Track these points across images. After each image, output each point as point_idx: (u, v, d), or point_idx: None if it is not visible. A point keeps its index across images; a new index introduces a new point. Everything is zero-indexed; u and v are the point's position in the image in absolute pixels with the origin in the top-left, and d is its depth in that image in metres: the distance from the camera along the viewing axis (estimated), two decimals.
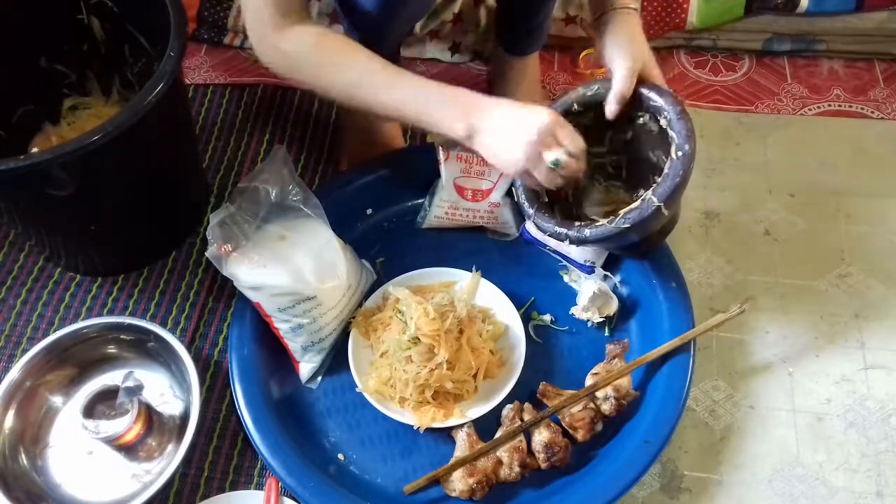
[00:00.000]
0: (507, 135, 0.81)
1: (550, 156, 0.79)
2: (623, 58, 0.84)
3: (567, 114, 0.90)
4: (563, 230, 0.87)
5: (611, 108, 0.85)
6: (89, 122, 1.15)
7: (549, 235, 0.91)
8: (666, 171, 0.82)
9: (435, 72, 1.29)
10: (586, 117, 0.90)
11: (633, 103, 0.86)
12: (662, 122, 0.85)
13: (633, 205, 0.82)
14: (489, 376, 0.92)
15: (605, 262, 1.01)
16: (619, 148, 0.95)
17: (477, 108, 0.81)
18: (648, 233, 0.86)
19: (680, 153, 0.82)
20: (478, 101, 0.82)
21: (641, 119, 0.90)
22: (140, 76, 1.11)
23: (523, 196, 0.94)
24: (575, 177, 0.82)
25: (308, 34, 0.83)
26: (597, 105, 0.88)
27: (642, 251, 0.94)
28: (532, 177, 0.82)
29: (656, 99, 0.85)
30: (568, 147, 0.80)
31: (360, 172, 1.08)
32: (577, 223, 0.87)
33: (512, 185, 0.98)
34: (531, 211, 0.92)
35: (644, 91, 0.86)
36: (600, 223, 0.84)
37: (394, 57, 1.09)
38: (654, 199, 0.81)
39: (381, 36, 0.92)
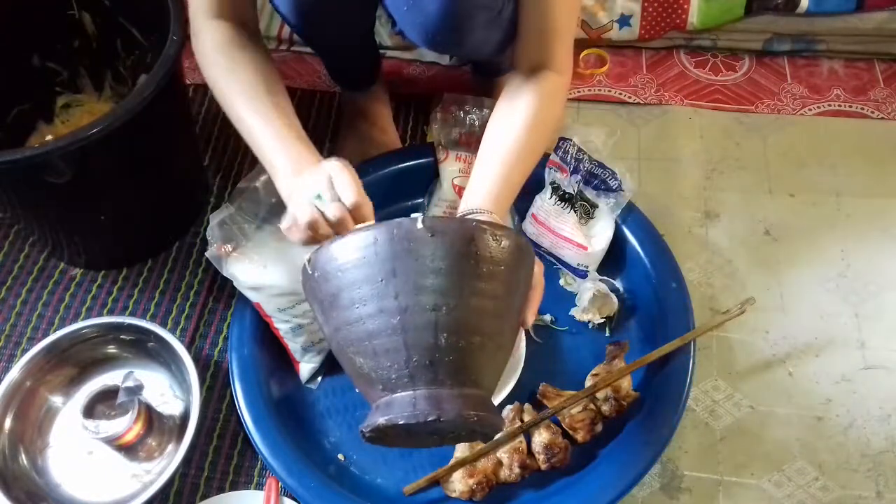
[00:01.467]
0: (298, 189, 0.74)
1: (314, 190, 0.71)
2: None
3: None
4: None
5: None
6: (83, 118, 1.15)
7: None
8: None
9: (432, 73, 1.29)
10: None
11: None
12: None
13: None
14: None
15: (604, 265, 1.01)
16: None
17: (302, 171, 0.76)
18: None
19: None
20: (305, 164, 0.76)
21: None
22: (133, 70, 1.12)
23: None
24: (342, 229, 0.70)
25: (221, 33, 0.84)
26: None
27: None
28: (296, 223, 0.72)
29: None
30: (341, 193, 0.71)
31: (359, 173, 1.07)
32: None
33: None
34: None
35: None
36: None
37: (360, 58, 1.09)
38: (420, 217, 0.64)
39: (317, 43, 0.95)
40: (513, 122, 0.83)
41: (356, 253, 0.62)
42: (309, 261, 0.66)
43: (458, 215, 0.80)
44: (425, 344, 0.61)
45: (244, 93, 0.82)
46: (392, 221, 0.62)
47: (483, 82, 1.19)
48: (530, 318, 0.73)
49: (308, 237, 0.72)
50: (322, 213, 0.71)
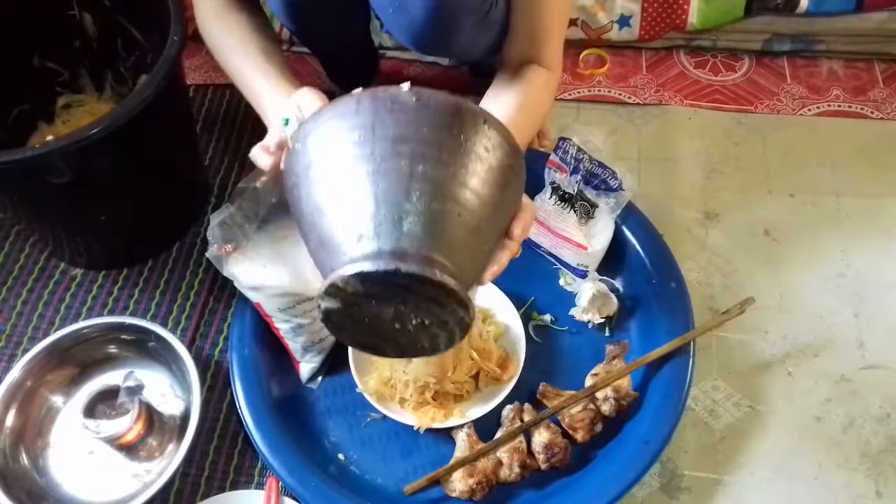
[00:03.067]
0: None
1: (283, 115, 0.72)
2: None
3: None
4: None
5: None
6: (84, 119, 1.15)
7: None
8: None
9: (432, 74, 1.29)
10: None
11: None
12: None
13: None
14: (493, 377, 0.91)
15: (604, 265, 1.01)
16: None
17: (283, 96, 0.79)
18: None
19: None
20: (271, 106, 0.80)
21: None
22: (134, 70, 1.12)
23: None
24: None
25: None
26: None
27: None
28: (266, 147, 0.74)
29: None
30: (305, 115, 0.71)
31: None
32: None
33: None
34: None
35: None
36: None
37: (354, 58, 1.09)
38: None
39: (304, 34, 0.95)
40: (503, 105, 0.82)
41: (339, 115, 0.60)
42: (292, 137, 0.64)
43: None
44: (395, 198, 0.57)
45: (237, 49, 0.85)
46: (377, 87, 0.61)
47: (481, 83, 1.18)
48: (517, 231, 0.67)
49: (275, 161, 0.72)
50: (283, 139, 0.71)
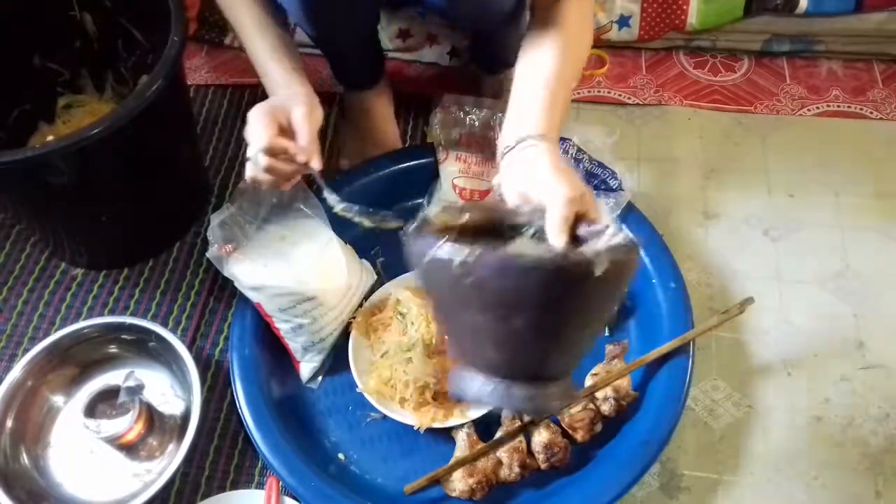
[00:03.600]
0: None
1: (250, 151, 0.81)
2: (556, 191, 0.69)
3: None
4: (459, 255, 0.60)
5: (555, 237, 0.67)
6: (84, 119, 1.15)
7: (426, 264, 0.64)
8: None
9: (432, 74, 1.29)
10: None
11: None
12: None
13: (566, 250, 0.65)
14: None
15: None
16: None
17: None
18: (568, 315, 0.63)
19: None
20: (272, 88, 0.88)
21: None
22: (134, 70, 1.12)
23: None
24: (279, 174, 0.82)
25: None
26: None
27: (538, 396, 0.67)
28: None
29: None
30: (250, 142, 0.81)
31: (360, 172, 1.08)
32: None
33: None
34: (414, 235, 0.68)
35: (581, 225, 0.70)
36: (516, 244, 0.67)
37: (365, 55, 1.09)
38: (595, 251, 0.61)
39: (323, 33, 0.96)
40: (547, 52, 0.81)
41: (507, 276, 0.60)
42: (463, 263, 0.60)
43: (504, 146, 0.77)
44: (527, 356, 0.65)
45: (250, 19, 0.88)
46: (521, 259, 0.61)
47: (488, 80, 1.18)
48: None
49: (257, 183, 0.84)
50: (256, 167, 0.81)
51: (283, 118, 0.82)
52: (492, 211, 0.74)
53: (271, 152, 0.80)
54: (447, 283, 0.63)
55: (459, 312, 0.65)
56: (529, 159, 0.74)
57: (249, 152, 0.81)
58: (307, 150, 0.82)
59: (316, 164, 0.83)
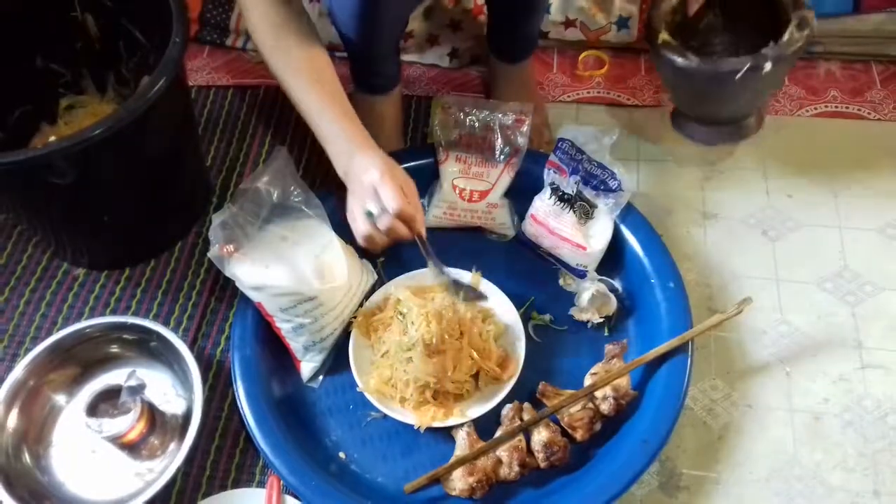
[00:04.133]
0: (349, 187, 0.90)
1: (366, 207, 0.86)
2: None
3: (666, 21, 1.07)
4: (760, 58, 1.00)
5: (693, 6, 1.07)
6: (86, 120, 1.16)
7: (740, 76, 0.99)
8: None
9: (432, 75, 1.29)
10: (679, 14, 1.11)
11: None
12: None
13: (793, 23, 1.01)
14: (493, 377, 0.92)
15: (603, 265, 1.01)
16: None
17: (353, 153, 0.89)
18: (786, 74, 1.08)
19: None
20: (355, 147, 0.89)
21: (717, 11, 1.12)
22: (136, 71, 1.13)
23: (684, 55, 1.04)
24: (397, 236, 0.86)
25: (266, 10, 0.90)
26: None
27: (741, 128, 1.15)
28: (355, 224, 0.89)
29: None
30: (385, 204, 0.83)
31: None
32: (762, 49, 1.01)
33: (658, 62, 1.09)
34: (703, 62, 1.02)
35: None
36: (784, 40, 1.00)
37: (392, 58, 1.10)
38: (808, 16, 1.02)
39: (371, 31, 0.95)
40: None
41: None
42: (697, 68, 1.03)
43: None
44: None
45: (293, 73, 0.90)
46: None
47: (501, 69, 1.18)
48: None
49: (371, 243, 0.90)
50: (374, 226, 0.86)
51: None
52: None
53: (401, 217, 0.85)
54: (744, 83, 1.01)
55: (729, 96, 1.08)
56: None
57: (378, 211, 0.85)
58: (421, 220, 0.88)
59: (424, 232, 0.89)
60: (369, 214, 0.85)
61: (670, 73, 1.06)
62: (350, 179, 0.90)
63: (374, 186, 0.85)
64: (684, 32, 1.07)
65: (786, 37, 1.00)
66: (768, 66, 0.98)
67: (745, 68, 0.98)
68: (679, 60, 1.02)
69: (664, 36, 1.04)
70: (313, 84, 0.91)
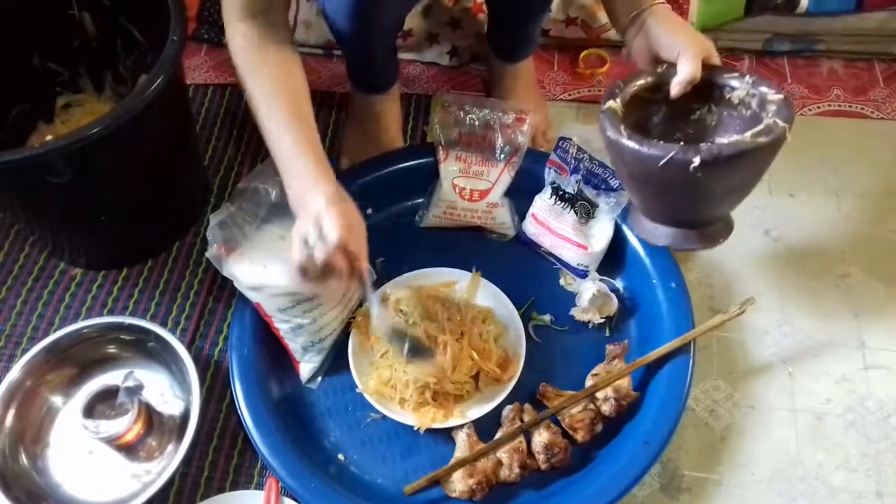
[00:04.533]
0: (297, 212, 0.82)
1: (304, 233, 0.78)
2: (689, 45, 0.84)
3: (636, 95, 0.87)
4: (690, 152, 0.77)
5: (676, 90, 0.84)
6: (83, 118, 1.15)
7: (663, 165, 0.78)
8: (773, 108, 0.81)
9: (432, 73, 1.29)
10: (659, 94, 0.88)
11: (699, 85, 0.84)
12: (741, 88, 0.85)
13: (758, 127, 0.79)
14: (493, 377, 0.91)
15: (604, 265, 1.01)
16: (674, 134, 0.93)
17: (305, 202, 0.80)
18: (763, 169, 0.84)
19: (780, 95, 0.82)
20: (312, 195, 0.80)
21: (702, 105, 0.89)
22: (133, 70, 1.12)
23: (621, 128, 0.82)
24: (333, 269, 0.77)
25: (248, 34, 0.85)
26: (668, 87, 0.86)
27: (709, 233, 0.90)
28: (292, 254, 0.80)
29: (728, 72, 0.86)
30: (325, 233, 0.76)
31: (360, 172, 1.08)
32: (702, 144, 0.78)
33: (602, 126, 0.87)
34: (636, 142, 0.81)
35: (713, 71, 0.85)
36: (733, 139, 0.79)
37: (389, 57, 1.09)
38: (780, 122, 0.79)
39: (367, 31, 0.94)
40: None
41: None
42: (703, 163, 0.77)
43: (622, 24, 0.90)
44: (708, 212, 0.88)
45: (266, 99, 0.85)
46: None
47: (505, 69, 1.18)
48: None
49: (303, 274, 0.80)
50: (308, 256, 0.78)
51: None
52: (645, 75, 0.88)
53: (343, 251, 0.78)
54: (674, 177, 0.80)
55: (666, 191, 0.85)
56: (663, 17, 0.87)
57: (313, 241, 0.77)
58: (364, 258, 0.81)
59: (367, 275, 0.83)
60: (305, 242, 0.78)
61: (605, 146, 0.86)
62: (297, 206, 0.82)
63: (318, 215, 0.77)
64: (672, 118, 0.91)
65: (733, 137, 0.81)
66: (696, 161, 0.76)
67: (669, 157, 0.77)
68: (609, 133, 0.82)
69: (612, 104, 0.84)
70: (284, 114, 0.84)
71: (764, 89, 0.84)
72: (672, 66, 0.85)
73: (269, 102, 0.84)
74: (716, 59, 0.86)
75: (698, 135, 0.90)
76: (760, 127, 0.79)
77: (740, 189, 0.86)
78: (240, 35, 0.86)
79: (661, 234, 0.90)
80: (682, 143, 0.79)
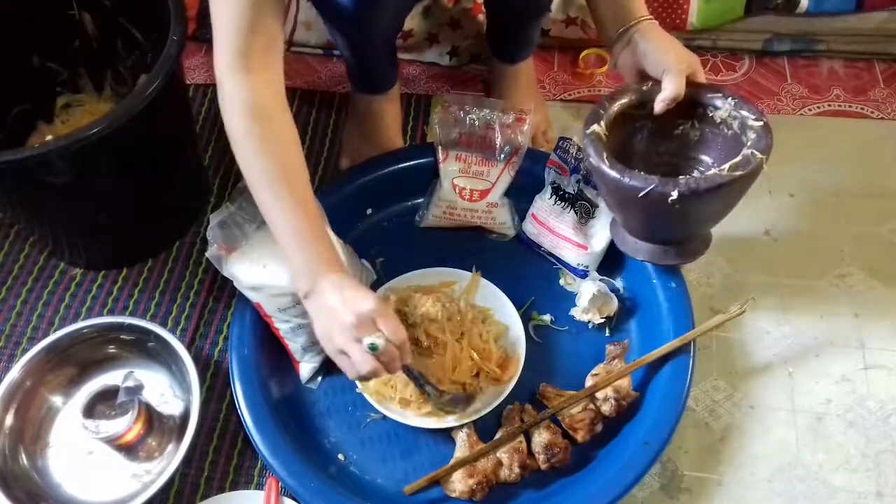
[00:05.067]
0: (330, 314, 0.77)
1: (368, 340, 0.75)
2: (673, 63, 0.85)
3: (622, 112, 0.89)
4: (669, 186, 0.79)
5: (659, 107, 0.85)
6: (83, 118, 1.15)
7: (642, 196, 0.81)
8: (753, 135, 0.82)
9: (432, 73, 1.29)
10: (644, 110, 0.89)
11: (682, 103, 0.85)
12: (723, 109, 0.85)
13: (736, 159, 0.81)
14: (493, 377, 0.91)
15: (604, 265, 1.01)
16: (671, 151, 0.93)
17: (319, 276, 0.78)
18: (740, 197, 0.85)
19: (761, 122, 0.83)
20: (324, 269, 0.78)
21: (686, 121, 0.90)
22: (133, 70, 1.12)
23: (604, 156, 0.84)
24: (394, 366, 0.78)
25: (246, 95, 0.78)
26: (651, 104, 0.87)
27: (689, 249, 0.93)
28: (346, 360, 0.78)
29: (711, 91, 0.87)
30: (388, 335, 0.76)
31: (360, 172, 1.08)
32: (680, 177, 0.80)
33: (586, 154, 0.87)
34: (618, 172, 0.82)
35: (696, 90, 0.86)
36: (710, 173, 0.81)
37: (388, 57, 1.09)
38: (757, 153, 0.80)
39: (365, 33, 0.93)
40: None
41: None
42: (681, 196, 0.80)
43: (609, 38, 0.91)
44: (686, 232, 0.92)
45: (266, 176, 0.79)
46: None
47: (504, 70, 1.18)
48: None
49: (368, 378, 0.79)
50: (377, 359, 0.76)
51: None
52: (630, 93, 0.89)
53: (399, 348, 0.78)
54: (653, 206, 0.82)
55: (646, 216, 0.87)
56: (650, 32, 0.88)
57: (383, 344, 0.76)
58: (407, 350, 0.80)
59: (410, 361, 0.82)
60: (372, 348, 0.75)
61: (589, 169, 0.89)
62: (327, 307, 0.78)
63: (374, 318, 0.76)
64: (657, 133, 0.92)
65: (710, 171, 0.82)
66: (674, 195, 0.79)
67: (648, 189, 0.80)
68: (592, 159, 0.84)
69: (596, 128, 0.85)
70: (285, 191, 0.79)
71: (745, 113, 0.84)
72: (657, 84, 0.86)
73: (271, 185, 0.79)
74: (701, 77, 0.88)
75: (680, 150, 0.92)
76: (738, 159, 0.81)
77: (718, 214, 0.89)
78: (237, 98, 0.78)
79: (642, 249, 0.93)
80: (661, 176, 0.81)
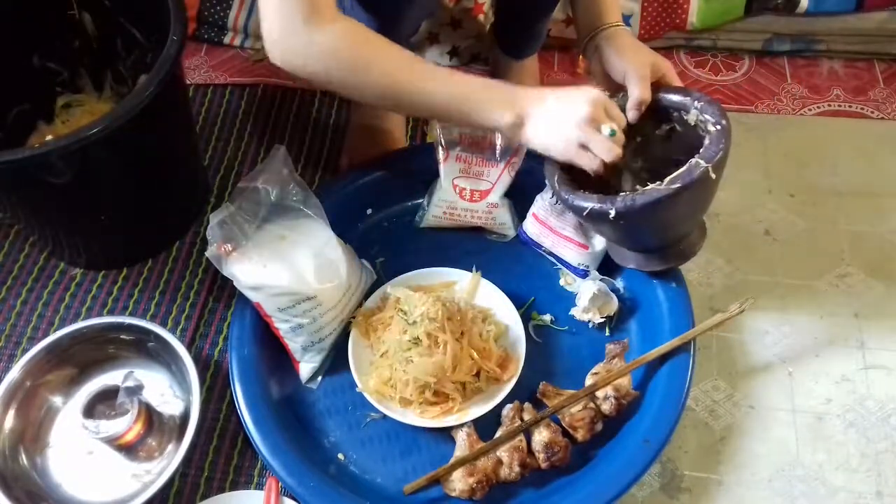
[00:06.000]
0: (559, 114, 0.82)
1: (606, 128, 0.81)
2: (634, 67, 0.86)
3: None
4: (608, 204, 0.81)
5: (632, 115, 0.86)
6: (83, 118, 1.15)
7: (587, 216, 0.84)
8: (707, 142, 0.82)
9: None
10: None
11: (656, 108, 0.86)
12: (692, 113, 0.85)
13: (680, 170, 0.80)
14: (493, 377, 0.91)
15: (604, 265, 1.01)
16: (643, 156, 0.94)
17: (524, 97, 0.83)
18: (697, 205, 0.85)
19: (718, 127, 0.82)
20: (523, 90, 0.84)
21: (665, 125, 0.90)
22: (133, 70, 1.12)
23: (556, 179, 0.89)
24: (620, 156, 0.82)
25: (343, 28, 0.80)
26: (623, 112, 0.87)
27: (674, 253, 0.92)
28: (586, 153, 0.82)
29: (678, 95, 0.87)
30: (618, 119, 0.82)
31: (360, 172, 1.08)
32: (620, 194, 0.82)
33: (545, 173, 0.92)
34: (564, 193, 0.86)
35: (664, 94, 0.87)
36: (648, 187, 0.80)
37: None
38: (702, 162, 0.79)
39: (395, 30, 0.92)
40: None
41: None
42: (617, 214, 0.81)
43: (591, 33, 0.92)
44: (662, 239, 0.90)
45: (412, 61, 0.83)
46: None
47: (506, 64, 1.18)
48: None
49: (613, 160, 0.82)
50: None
51: None
52: None
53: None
54: (602, 222, 0.84)
55: (608, 230, 0.90)
56: (615, 38, 0.89)
57: (618, 128, 0.81)
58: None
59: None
60: (612, 133, 0.81)
61: None
62: (555, 110, 0.82)
63: (605, 105, 0.82)
64: (642, 139, 0.92)
65: (648, 186, 0.81)
66: (612, 213, 0.81)
67: (589, 209, 0.82)
68: (547, 179, 0.89)
69: None
70: (430, 66, 0.84)
71: (707, 116, 0.84)
72: (623, 95, 0.88)
73: (412, 65, 0.82)
74: (673, 79, 0.88)
75: (668, 155, 0.90)
76: (682, 170, 0.80)
77: (682, 219, 0.88)
78: (333, 37, 0.79)
79: (628, 256, 0.95)
80: (600, 195, 0.83)
